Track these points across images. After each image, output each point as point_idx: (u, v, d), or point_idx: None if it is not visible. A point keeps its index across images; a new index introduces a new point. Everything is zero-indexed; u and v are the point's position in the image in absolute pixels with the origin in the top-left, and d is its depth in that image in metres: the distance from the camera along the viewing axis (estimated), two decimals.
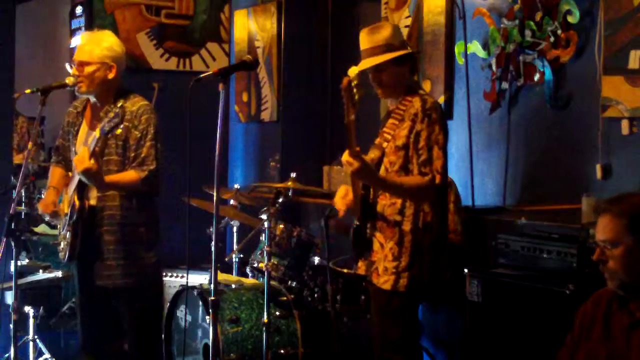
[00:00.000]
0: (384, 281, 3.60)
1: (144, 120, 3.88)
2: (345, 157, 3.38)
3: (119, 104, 3.79)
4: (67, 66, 3.96)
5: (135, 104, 3.92)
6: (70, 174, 4.09)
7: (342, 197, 3.68)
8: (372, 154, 3.63)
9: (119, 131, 3.81)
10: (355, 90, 3.31)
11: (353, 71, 3.41)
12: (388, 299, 3.61)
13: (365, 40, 3.64)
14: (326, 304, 4.41)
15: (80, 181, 3.80)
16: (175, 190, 4.32)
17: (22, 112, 7.41)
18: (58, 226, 4.11)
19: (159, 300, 4.22)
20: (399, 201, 3.59)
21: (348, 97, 3.34)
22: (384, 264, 3.60)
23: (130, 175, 3.85)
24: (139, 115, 3.88)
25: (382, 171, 3.60)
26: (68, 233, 3.89)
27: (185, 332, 4.57)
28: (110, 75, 3.91)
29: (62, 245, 3.99)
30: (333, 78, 6.16)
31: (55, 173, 4.18)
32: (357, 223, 3.65)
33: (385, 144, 3.61)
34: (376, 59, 3.57)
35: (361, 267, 3.73)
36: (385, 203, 3.62)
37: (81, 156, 3.64)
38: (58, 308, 5.08)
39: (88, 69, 3.89)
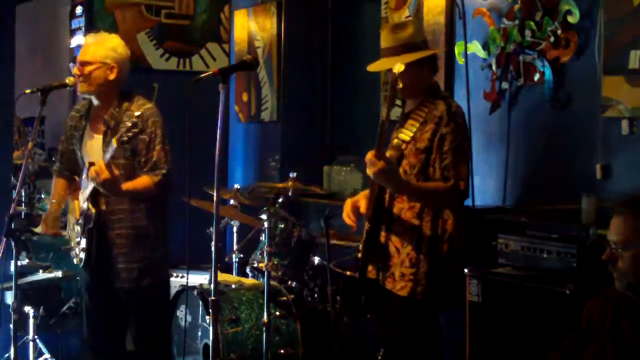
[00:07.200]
0: (401, 287, 3.43)
1: (151, 124, 3.87)
2: (370, 156, 3.20)
3: (136, 113, 3.77)
4: (70, 66, 3.96)
5: (140, 107, 3.89)
6: (77, 178, 4.09)
7: (349, 214, 3.51)
8: (388, 154, 3.43)
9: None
10: (399, 87, 3.20)
11: (400, 68, 3.24)
12: (405, 306, 3.45)
13: (386, 38, 3.48)
14: (326, 304, 4.41)
15: (94, 188, 3.80)
16: (175, 190, 4.32)
17: (20, 112, 7.39)
18: (68, 231, 4.12)
19: (167, 301, 4.23)
20: (418, 205, 3.43)
21: (391, 94, 3.23)
22: (400, 270, 3.44)
23: (144, 180, 3.85)
24: (146, 118, 3.86)
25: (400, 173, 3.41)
26: (83, 239, 3.90)
27: (185, 332, 4.57)
28: (111, 76, 3.89)
29: (76, 251, 4.00)
30: (333, 78, 6.17)
31: (58, 185, 4.20)
32: (369, 226, 3.44)
33: (403, 145, 3.45)
34: (397, 60, 3.35)
35: (371, 271, 3.55)
36: (403, 206, 3.45)
37: (98, 167, 3.63)
38: (58, 308, 5.06)
39: (88, 68, 3.88)
